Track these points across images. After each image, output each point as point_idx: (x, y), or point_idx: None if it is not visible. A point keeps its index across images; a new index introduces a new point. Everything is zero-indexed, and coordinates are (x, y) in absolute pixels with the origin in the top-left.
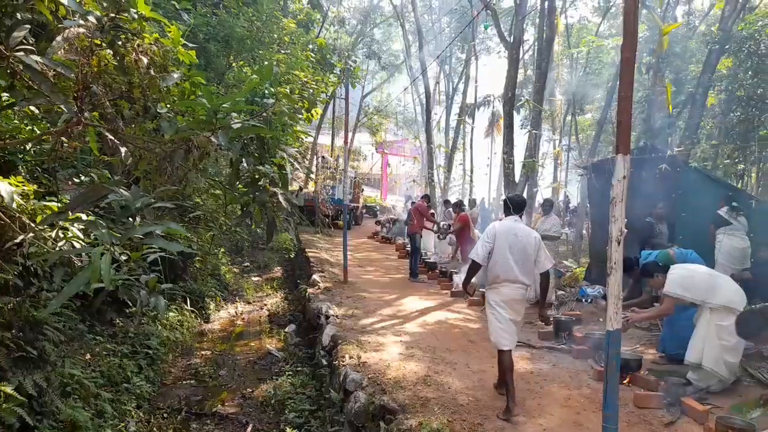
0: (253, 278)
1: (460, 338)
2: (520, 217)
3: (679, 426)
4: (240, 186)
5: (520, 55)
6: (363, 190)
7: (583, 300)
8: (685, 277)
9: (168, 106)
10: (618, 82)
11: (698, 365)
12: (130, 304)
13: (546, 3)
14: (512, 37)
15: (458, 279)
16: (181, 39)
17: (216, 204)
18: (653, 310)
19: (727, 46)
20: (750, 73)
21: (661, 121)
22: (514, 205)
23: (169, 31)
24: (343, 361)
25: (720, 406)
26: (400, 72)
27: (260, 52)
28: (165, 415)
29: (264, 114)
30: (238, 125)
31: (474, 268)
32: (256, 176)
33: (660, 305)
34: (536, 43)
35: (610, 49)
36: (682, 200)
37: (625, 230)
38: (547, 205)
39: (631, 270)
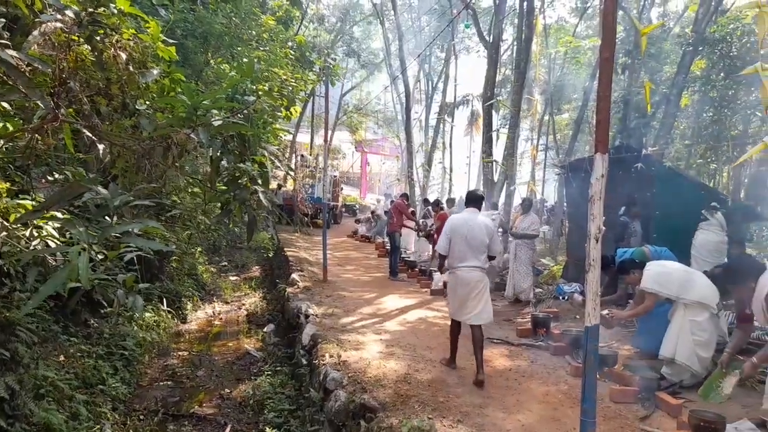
0: (231, 278)
1: (440, 336)
2: (478, 209)
3: (654, 419)
4: (220, 184)
5: (499, 55)
6: (342, 188)
7: (561, 297)
8: (660, 274)
9: (147, 102)
10: (596, 82)
11: (672, 360)
12: (106, 305)
13: (525, 3)
14: (491, 37)
15: (438, 277)
16: (160, 35)
17: (193, 202)
18: (638, 308)
19: (700, 48)
20: (722, 74)
21: (637, 121)
22: (471, 199)
23: (148, 27)
24: (323, 360)
25: (693, 400)
26: (380, 70)
27: (239, 49)
28: (141, 416)
29: (245, 111)
30: (219, 122)
31: (442, 258)
32: (237, 174)
33: (635, 302)
34: (515, 43)
35: (587, 50)
36: (657, 199)
37: (603, 228)
38: (526, 204)
39: (606, 268)
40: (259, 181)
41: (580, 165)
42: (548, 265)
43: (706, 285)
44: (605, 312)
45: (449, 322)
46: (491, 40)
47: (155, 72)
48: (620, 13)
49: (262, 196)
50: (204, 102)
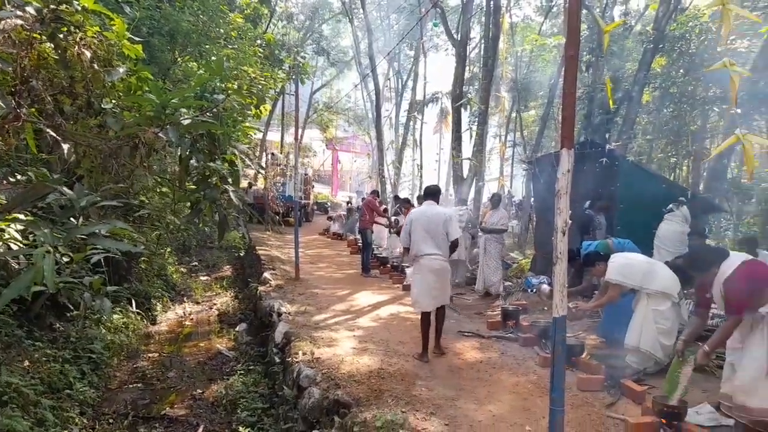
0: (202, 278)
1: (412, 331)
2: (436, 202)
3: (619, 406)
4: (189, 183)
5: (467, 53)
6: (314, 186)
7: (529, 290)
8: (624, 265)
9: (113, 101)
10: (561, 80)
11: (637, 348)
12: (72, 308)
13: (491, 2)
14: (459, 35)
15: (410, 272)
16: (126, 33)
17: (162, 202)
18: (602, 299)
19: (661, 46)
20: (681, 71)
21: (601, 117)
22: (428, 193)
23: (113, 25)
24: (296, 358)
25: (656, 387)
26: (350, 68)
27: (207, 47)
28: (111, 420)
29: (214, 110)
30: (188, 121)
31: (405, 249)
32: (207, 173)
33: (600, 293)
34: (482, 41)
35: (552, 48)
36: (620, 192)
37: (570, 222)
38: (495, 199)
39: (572, 260)
40: (230, 180)
41: (547, 160)
42: (517, 259)
43: (668, 275)
44: (571, 304)
45: (420, 316)
46: (459, 39)
47: (121, 70)
48: (584, 11)
49: (232, 195)
50: (172, 100)
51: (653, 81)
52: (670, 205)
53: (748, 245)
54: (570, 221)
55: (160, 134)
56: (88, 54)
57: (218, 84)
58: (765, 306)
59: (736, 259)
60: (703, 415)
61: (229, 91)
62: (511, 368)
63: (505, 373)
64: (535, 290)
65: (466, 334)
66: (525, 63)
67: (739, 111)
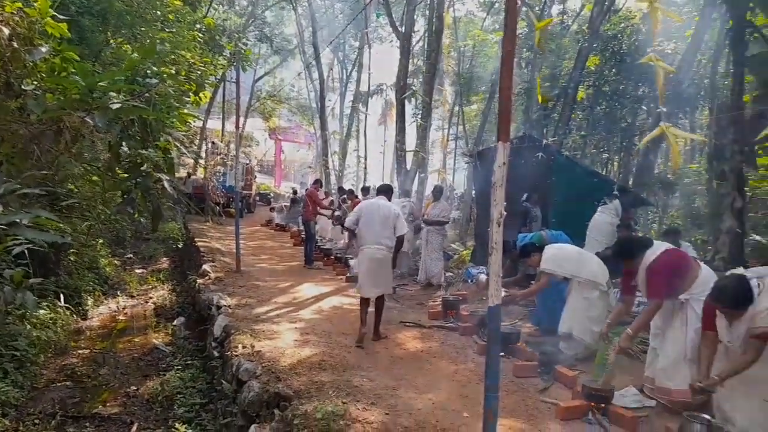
0: (137, 270)
1: (355, 322)
2: (387, 198)
3: (552, 391)
4: (120, 171)
5: (412, 46)
6: (256, 176)
7: (469, 281)
8: (557, 255)
9: (35, 82)
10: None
11: (569, 335)
12: None
13: None
14: (403, 27)
15: (354, 263)
16: (49, 10)
17: (93, 191)
18: (533, 287)
19: (595, 45)
20: (614, 70)
21: (538, 113)
22: (381, 190)
23: (36, 1)
24: (235, 352)
25: (587, 371)
26: (294, 57)
27: (142, 29)
28: (37, 420)
29: (146, 94)
30: (118, 105)
31: (350, 232)
32: (139, 161)
33: (536, 282)
34: (426, 35)
35: (493, 44)
36: (555, 186)
37: (505, 213)
38: (437, 192)
39: (509, 252)
40: (164, 168)
41: (488, 154)
42: (458, 250)
43: (597, 264)
44: (503, 293)
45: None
46: (403, 31)
47: (44, 50)
48: (523, 9)
49: (166, 184)
50: (100, 83)
51: (587, 79)
52: (604, 198)
53: (672, 236)
54: (505, 213)
55: (86, 119)
56: (6, 31)
57: (152, 68)
58: (684, 293)
59: (659, 247)
60: (628, 397)
61: (164, 76)
62: (451, 357)
63: (444, 362)
64: (474, 280)
65: (408, 324)
66: (468, 58)
67: (665, 109)
